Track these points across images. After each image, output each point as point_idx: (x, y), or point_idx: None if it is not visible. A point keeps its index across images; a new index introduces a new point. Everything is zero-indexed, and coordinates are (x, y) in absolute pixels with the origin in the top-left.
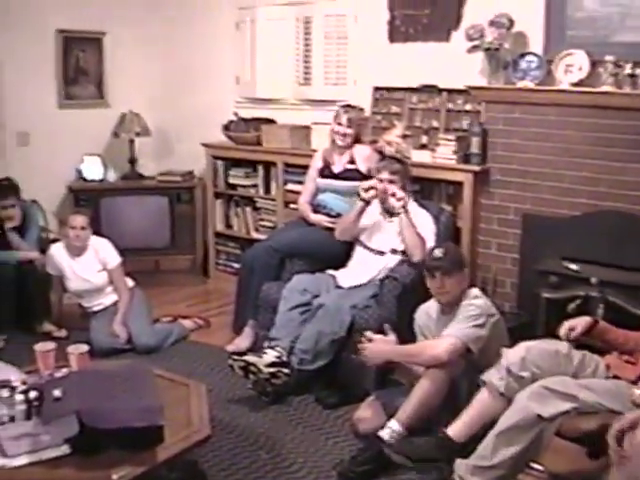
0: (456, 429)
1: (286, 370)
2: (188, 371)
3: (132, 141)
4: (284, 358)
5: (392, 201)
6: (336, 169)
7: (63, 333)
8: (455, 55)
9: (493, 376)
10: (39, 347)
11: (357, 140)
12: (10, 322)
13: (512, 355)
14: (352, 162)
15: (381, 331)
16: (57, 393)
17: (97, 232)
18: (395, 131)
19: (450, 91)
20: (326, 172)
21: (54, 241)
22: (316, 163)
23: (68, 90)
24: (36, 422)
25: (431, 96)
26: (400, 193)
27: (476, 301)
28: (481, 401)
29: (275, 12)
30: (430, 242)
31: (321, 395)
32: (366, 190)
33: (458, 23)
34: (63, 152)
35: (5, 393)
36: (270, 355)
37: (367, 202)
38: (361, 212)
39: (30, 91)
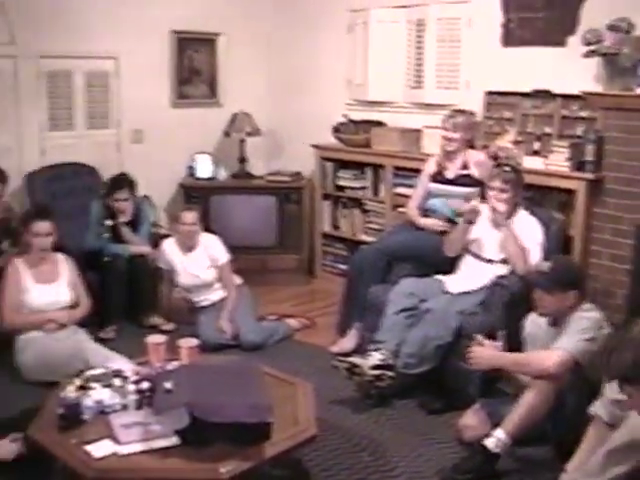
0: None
1: (390, 373)
2: (292, 370)
3: (243, 141)
4: (389, 361)
5: (495, 214)
6: (449, 174)
7: (170, 326)
8: (571, 60)
9: (599, 409)
10: (151, 339)
11: (470, 145)
12: (120, 314)
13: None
14: (465, 167)
15: (489, 337)
16: (168, 385)
17: (207, 229)
18: (507, 137)
19: (565, 97)
20: (439, 177)
21: (165, 236)
22: (429, 168)
23: (181, 89)
24: (147, 412)
25: (545, 101)
26: (501, 207)
27: (588, 314)
28: (591, 437)
29: (387, 15)
30: (534, 254)
31: (425, 400)
32: (469, 212)
33: (575, 27)
34: (175, 150)
35: (118, 382)
36: (375, 358)
37: (471, 222)
38: (466, 231)
39: (145, 90)
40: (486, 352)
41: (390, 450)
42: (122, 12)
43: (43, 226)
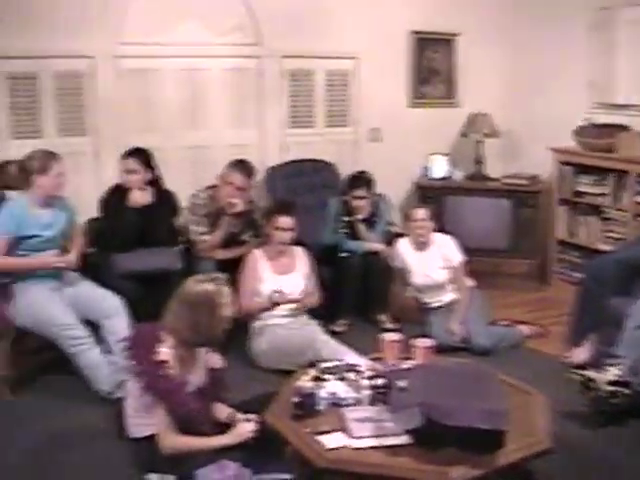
0: None
1: (627, 391)
2: (521, 378)
3: (480, 142)
4: (626, 378)
5: None
6: None
7: (396, 325)
8: None
9: None
10: (387, 337)
11: None
12: (351, 309)
13: None
14: None
15: None
16: (402, 384)
17: (441, 229)
18: None
19: None
20: None
21: (399, 235)
22: None
23: (419, 89)
24: (380, 409)
25: None
26: None
27: None
28: None
29: (638, 13)
30: None
31: None
32: None
33: None
34: (411, 149)
35: (352, 376)
36: (612, 373)
37: None
38: None
39: (383, 90)
40: None
41: (623, 474)
42: (363, 13)
43: (286, 221)
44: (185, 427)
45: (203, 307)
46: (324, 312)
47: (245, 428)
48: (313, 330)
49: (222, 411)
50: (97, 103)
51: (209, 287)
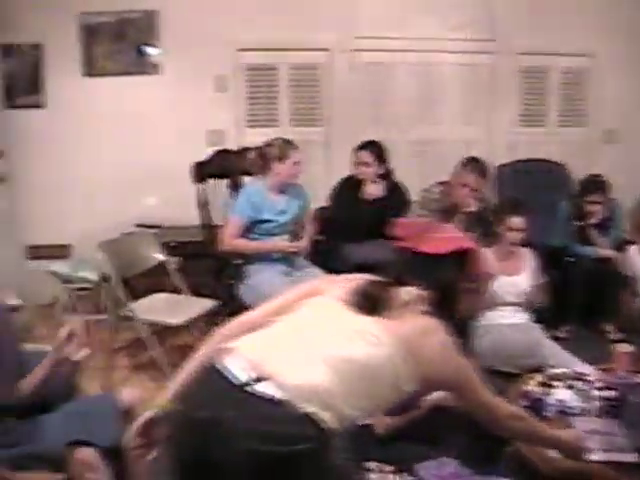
0: None
1: None
2: None
3: None
4: None
5: None
6: None
7: (623, 336)
8: None
9: None
10: (619, 348)
11: None
12: (575, 315)
13: None
14: None
15: None
16: (637, 399)
17: None
18: None
19: None
20: None
21: (629, 242)
22: None
23: None
24: (611, 422)
25: None
26: None
27: None
28: None
29: None
30: None
31: None
32: None
33: None
34: None
35: (580, 385)
36: None
37: None
38: None
39: (621, 88)
40: None
41: None
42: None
43: (517, 221)
44: None
45: None
46: (548, 316)
47: None
48: (538, 333)
49: None
50: (331, 95)
51: None
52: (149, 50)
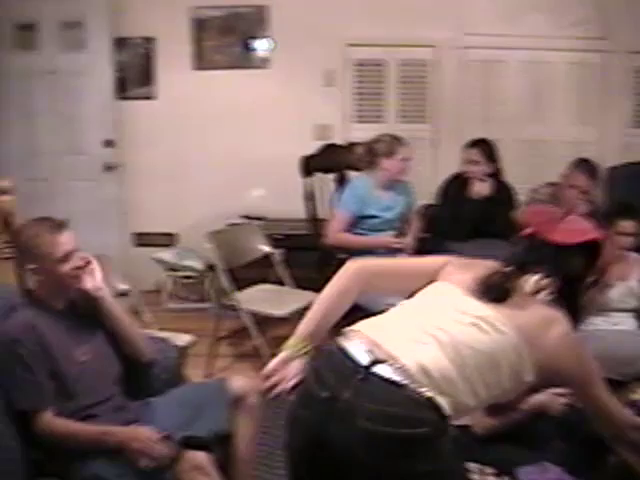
0: None
1: None
2: None
3: None
4: None
5: None
6: None
7: None
8: None
9: None
10: None
11: None
12: None
13: None
14: None
15: None
16: None
17: None
18: None
19: None
20: None
21: None
22: None
23: None
24: None
25: None
26: None
27: None
28: None
29: None
30: None
31: None
32: None
33: None
34: None
35: None
36: None
37: None
38: None
39: None
40: None
41: None
42: None
43: (628, 225)
44: None
45: None
46: None
47: None
48: None
49: None
50: (439, 92)
51: None
52: (258, 44)
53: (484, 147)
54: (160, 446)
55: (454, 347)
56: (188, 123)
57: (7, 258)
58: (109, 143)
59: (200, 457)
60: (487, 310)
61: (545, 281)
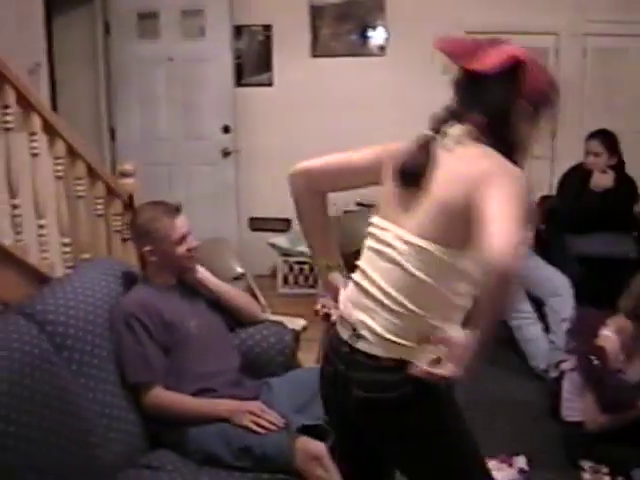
0: None
1: None
2: None
3: None
4: None
5: None
6: None
7: None
8: None
9: None
10: None
11: None
12: None
13: None
14: None
15: None
16: None
17: None
18: None
19: None
20: None
21: None
22: None
23: None
24: None
25: None
26: None
27: None
28: None
29: None
30: None
31: None
32: None
33: None
34: None
35: None
36: None
37: None
38: None
39: None
40: None
41: None
42: None
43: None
44: None
45: None
46: None
47: None
48: None
49: None
50: (560, 80)
51: None
52: (375, 32)
53: (605, 138)
54: (271, 418)
55: (399, 293)
56: (304, 110)
57: (129, 239)
58: (227, 129)
59: (318, 447)
60: (411, 228)
61: (467, 126)
